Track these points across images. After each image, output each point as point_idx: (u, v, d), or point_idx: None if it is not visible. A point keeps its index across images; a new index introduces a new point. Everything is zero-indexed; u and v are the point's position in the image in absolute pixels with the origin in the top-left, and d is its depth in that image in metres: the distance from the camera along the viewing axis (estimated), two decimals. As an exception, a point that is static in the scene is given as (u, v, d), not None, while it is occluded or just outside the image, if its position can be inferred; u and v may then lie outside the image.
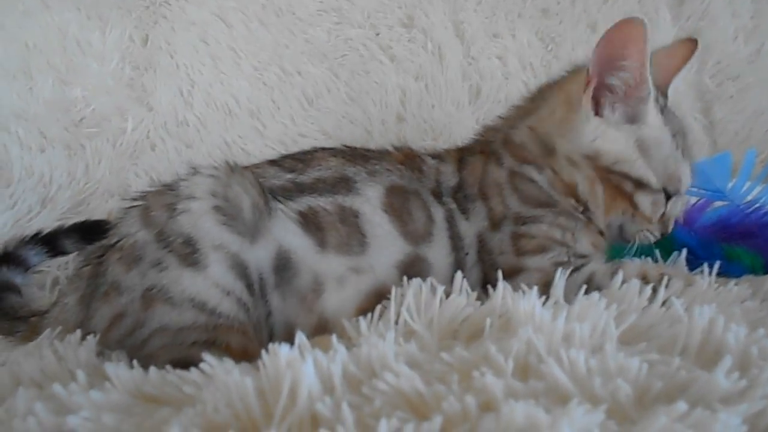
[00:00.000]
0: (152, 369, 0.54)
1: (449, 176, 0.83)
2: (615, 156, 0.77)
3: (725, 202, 0.96)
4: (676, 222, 0.86)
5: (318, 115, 1.44)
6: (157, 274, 0.67)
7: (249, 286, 0.70)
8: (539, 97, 0.87)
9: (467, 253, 0.78)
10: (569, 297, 0.64)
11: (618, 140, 0.77)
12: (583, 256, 0.76)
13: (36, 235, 1.00)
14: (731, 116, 1.39)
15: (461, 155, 0.86)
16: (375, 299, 0.70)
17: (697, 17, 1.43)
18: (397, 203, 0.77)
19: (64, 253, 1.01)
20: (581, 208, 0.80)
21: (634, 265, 0.73)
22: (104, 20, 1.42)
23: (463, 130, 1.42)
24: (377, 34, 1.48)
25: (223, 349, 0.65)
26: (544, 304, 0.61)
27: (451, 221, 0.79)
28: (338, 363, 0.49)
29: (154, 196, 0.73)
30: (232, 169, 0.76)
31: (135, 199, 0.74)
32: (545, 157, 0.81)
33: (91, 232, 1.00)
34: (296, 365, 0.46)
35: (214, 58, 1.46)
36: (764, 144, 1.36)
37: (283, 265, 0.72)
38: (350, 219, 0.75)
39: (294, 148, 1.41)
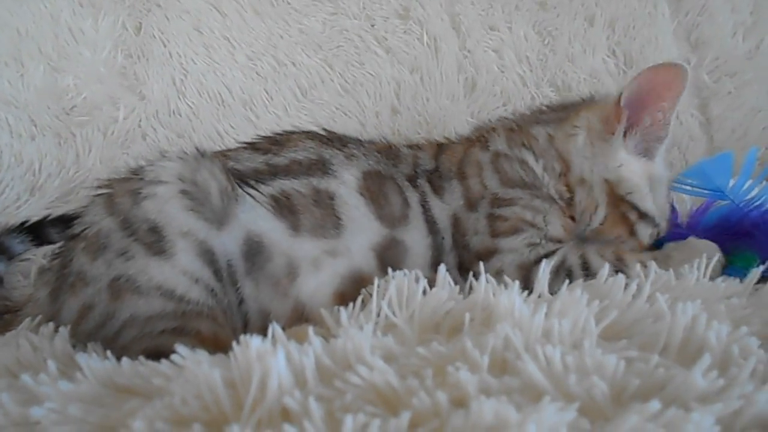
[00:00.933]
0: (125, 360, 0.54)
1: (426, 161, 0.84)
2: (632, 186, 0.82)
3: (726, 202, 0.95)
4: (679, 225, 0.88)
5: (311, 107, 1.43)
6: (124, 263, 0.66)
7: (216, 272, 0.69)
8: (562, 111, 0.90)
9: (443, 238, 0.78)
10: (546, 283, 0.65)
11: (637, 171, 0.82)
12: (555, 240, 0.77)
13: (22, 224, 0.99)
14: (728, 113, 1.37)
15: (441, 143, 0.88)
16: (352, 283, 0.70)
17: (696, 12, 1.41)
18: (374, 187, 0.77)
19: (50, 242, 1.00)
20: (568, 195, 0.82)
21: (594, 247, 0.77)
22: (97, 7, 1.41)
23: (457, 123, 1.40)
24: (372, 26, 1.46)
25: (194, 336, 0.64)
26: (527, 297, 0.60)
27: (425, 205, 0.79)
28: (311, 355, 0.48)
29: (119, 183, 0.71)
30: (202, 154, 0.74)
31: (101, 187, 0.72)
32: (556, 163, 0.83)
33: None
34: (267, 357, 0.45)
35: (208, 47, 1.44)
36: (761, 141, 1.34)
37: (255, 251, 0.71)
38: (325, 201, 0.74)
39: (287, 140, 1.42)
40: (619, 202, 0.82)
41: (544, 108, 0.95)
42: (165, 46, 1.43)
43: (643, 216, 0.82)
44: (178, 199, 0.69)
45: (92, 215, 0.69)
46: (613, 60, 1.40)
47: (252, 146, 0.80)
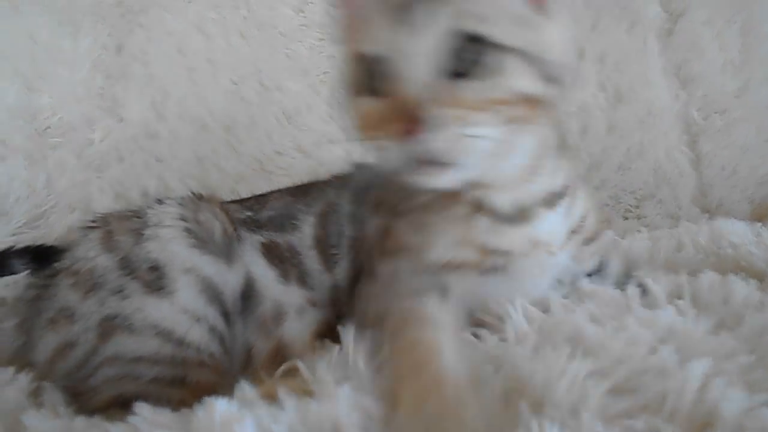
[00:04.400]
0: (78, 419, 0.48)
1: None
2: None
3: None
4: None
5: (296, 133, 1.39)
6: (119, 302, 0.63)
7: (224, 314, 0.66)
8: None
9: None
10: None
11: None
12: None
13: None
14: (718, 150, 1.36)
15: None
16: (329, 328, 0.67)
17: (685, 49, 1.41)
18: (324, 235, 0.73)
19: (12, 273, 0.94)
20: None
21: None
22: (76, 26, 1.36)
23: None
24: (361, 53, 1.43)
25: (192, 388, 0.61)
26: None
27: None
28: (283, 424, 0.43)
29: (118, 221, 0.69)
30: (199, 198, 0.74)
31: (94, 222, 0.70)
32: None
33: (43, 255, 0.94)
34: (232, 424, 0.40)
35: (191, 69, 1.40)
36: (751, 179, 1.33)
37: (249, 293, 0.70)
38: (296, 257, 0.73)
39: (270, 166, 1.37)
40: None
41: None
42: (146, 67, 1.39)
43: None
44: (183, 237, 0.67)
45: (86, 251, 0.67)
46: (603, 94, 1.39)
47: (238, 202, 0.80)
